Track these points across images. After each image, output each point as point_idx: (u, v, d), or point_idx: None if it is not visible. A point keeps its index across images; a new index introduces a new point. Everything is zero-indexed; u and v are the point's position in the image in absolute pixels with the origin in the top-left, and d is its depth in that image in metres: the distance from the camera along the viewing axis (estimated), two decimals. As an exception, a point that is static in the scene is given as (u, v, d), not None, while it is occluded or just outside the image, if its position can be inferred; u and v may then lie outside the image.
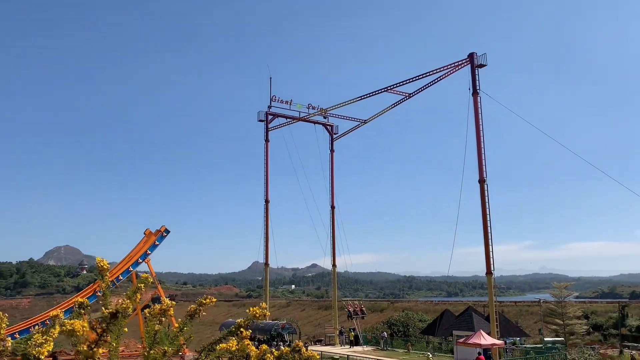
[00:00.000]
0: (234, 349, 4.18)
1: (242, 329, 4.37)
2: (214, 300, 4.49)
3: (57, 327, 3.96)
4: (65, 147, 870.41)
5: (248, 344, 4.21)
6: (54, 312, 4.02)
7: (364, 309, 58.64)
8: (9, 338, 4.52)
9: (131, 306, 4.22)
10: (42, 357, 3.95)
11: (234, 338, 4.33)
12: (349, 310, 55.94)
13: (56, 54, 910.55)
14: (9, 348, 4.32)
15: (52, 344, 3.95)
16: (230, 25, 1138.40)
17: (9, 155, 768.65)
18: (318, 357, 4.49)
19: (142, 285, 4.23)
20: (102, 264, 4.37)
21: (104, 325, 4.02)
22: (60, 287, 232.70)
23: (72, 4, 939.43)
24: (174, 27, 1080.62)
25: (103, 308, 4.21)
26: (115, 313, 4.05)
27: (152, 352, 4.15)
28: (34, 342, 3.86)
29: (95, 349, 3.93)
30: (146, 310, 4.48)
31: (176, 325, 4.43)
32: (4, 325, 4.27)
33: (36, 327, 4.82)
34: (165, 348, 4.24)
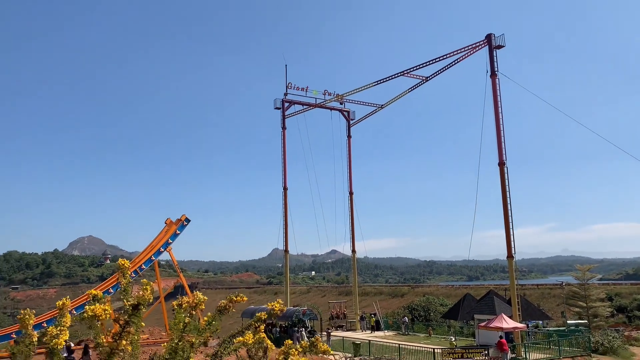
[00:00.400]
0: (250, 342, 4.21)
1: (258, 324, 4.40)
2: (245, 298, 4.53)
3: (68, 316, 4.05)
4: (88, 141, 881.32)
5: (264, 337, 4.24)
6: (61, 302, 4.10)
7: (345, 312, 61.46)
8: (35, 332, 4.62)
9: (151, 297, 4.26)
10: (60, 348, 4.04)
11: (249, 331, 4.36)
12: (331, 314, 60.08)
13: (84, 51, 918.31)
14: (35, 341, 4.40)
15: (67, 333, 4.03)
16: (246, 14, 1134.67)
17: (34, 149, 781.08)
18: (332, 352, 4.49)
19: (148, 287, 4.27)
20: (123, 263, 4.47)
21: (126, 317, 4.07)
22: (85, 276, 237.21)
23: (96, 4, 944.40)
24: (192, 17, 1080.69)
25: (125, 301, 4.26)
26: (137, 305, 4.09)
27: (180, 343, 4.20)
28: (50, 335, 3.96)
29: (119, 340, 3.99)
30: (174, 302, 4.52)
31: (202, 318, 4.46)
32: (31, 322, 4.36)
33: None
34: (193, 340, 4.29)
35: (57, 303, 4.28)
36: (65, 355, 24.34)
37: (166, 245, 48.20)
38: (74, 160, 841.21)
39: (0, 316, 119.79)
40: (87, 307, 4.07)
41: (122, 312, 4.17)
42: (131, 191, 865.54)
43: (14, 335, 37.69)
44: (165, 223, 50.55)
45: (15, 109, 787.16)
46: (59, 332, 4.00)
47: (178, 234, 49.46)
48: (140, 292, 4.10)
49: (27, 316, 4.39)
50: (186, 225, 50.31)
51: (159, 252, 48.02)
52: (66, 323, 4.09)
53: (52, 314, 40.14)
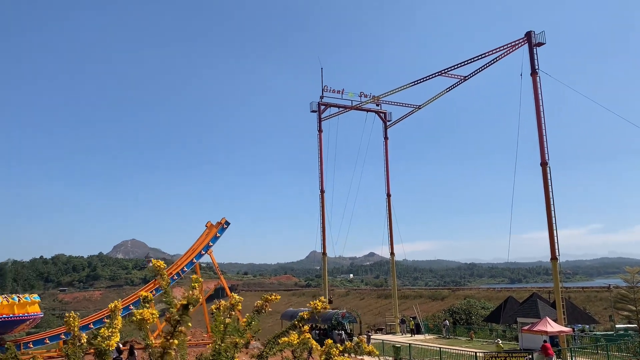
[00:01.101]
0: (295, 342, 4.27)
1: (301, 324, 4.46)
2: (279, 297, 4.60)
3: (119, 319, 4.20)
4: (130, 146, 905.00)
5: (309, 338, 4.28)
6: (113, 304, 4.24)
7: (331, 298, 60.45)
8: (84, 334, 4.79)
9: (200, 297, 4.37)
10: (111, 349, 4.18)
11: (294, 332, 4.42)
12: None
13: (119, 47, 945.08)
14: (84, 343, 4.56)
15: (118, 335, 4.17)
16: (281, 18, 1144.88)
17: (78, 156, 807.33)
18: (377, 353, 4.50)
19: (196, 285, 4.38)
20: (158, 265, 4.58)
21: (177, 317, 4.19)
22: (129, 279, 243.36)
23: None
24: (227, 20, 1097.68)
25: (168, 305, 4.36)
26: (187, 305, 4.21)
27: (223, 344, 4.29)
28: (101, 336, 4.10)
29: (171, 340, 4.12)
30: (213, 306, 4.63)
31: (242, 319, 4.55)
32: (77, 324, 4.52)
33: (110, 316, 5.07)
34: (237, 340, 4.38)
35: (109, 305, 4.43)
36: (114, 356, 25.07)
37: (207, 248, 49.01)
38: (116, 166, 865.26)
39: (49, 317, 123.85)
40: (135, 311, 4.20)
41: (171, 312, 4.29)
42: (172, 195, 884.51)
43: (63, 336, 38.99)
44: (206, 226, 51.42)
45: (61, 116, 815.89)
46: (110, 334, 4.15)
47: (218, 236, 50.22)
48: (189, 292, 4.21)
49: (72, 319, 4.57)
50: (226, 228, 51.05)
51: (200, 255, 48.86)
52: (117, 325, 4.24)
53: (98, 316, 41.33)
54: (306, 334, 4.41)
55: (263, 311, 4.62)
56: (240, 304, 4.59)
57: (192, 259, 48.36)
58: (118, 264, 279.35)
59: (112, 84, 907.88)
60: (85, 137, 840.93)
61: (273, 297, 4.57)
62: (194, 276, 4.57)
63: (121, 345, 25.96)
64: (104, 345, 4.12)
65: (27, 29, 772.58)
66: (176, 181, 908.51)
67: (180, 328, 4.08)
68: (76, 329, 4.54)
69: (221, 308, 4.56)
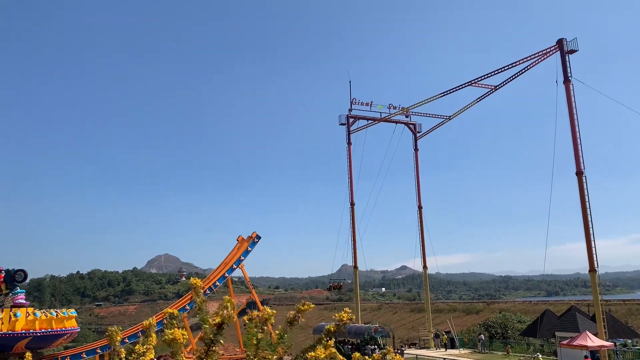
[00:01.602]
0: (322, 357, 4.22)
1: (326, 339, 4.40)
2: (312, 306, 4.54)
3: (154, 336, 4.23)
4: (160, 162, 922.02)
5: (335, 353, 4.23)
6: (148, 322, 4.27)
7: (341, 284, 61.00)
8: (122, 349, 4.84)
9: (235, 317, 4.37)
10: None
11: (320, 346, 4.38)
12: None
13: (142, 54, 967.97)
14: (123, 357, 4.60)
15: (153, 352, 4.19)
16: (309, 31, 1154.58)
17: (112, 170, 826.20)
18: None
19: (228, 304, 4.37)
20: (195, 282, 4.62)
21: (211, 336, 4.19)
22: (162, 293, 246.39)
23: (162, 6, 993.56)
24: (256, 32, 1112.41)
25: (202, 322, 4.38)
26: (221, 324, 4.21)
27: (255, 359, 4.27)
28: (137, 353, 4.13)
29: (205, 359, 4.13)
30: (245, 318, 4.61)
31: (274, 332, 4.52)
32: (119, 338, 4.57)
33: (144, 333, 5.12)
34: (269, 357, 4.36)
35: (144, 322, 4.47)
36: None
37: (238, 262, 49.35)
38: (148, 181, 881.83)
39: (86, 332, 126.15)
40: (167, 330, 4.24)
41: (205, 330, 4.30)
42: (204, 210, 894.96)
43: (99, 351, 39.63)
44: (237, 240, 51.84)
45: (96, 129, 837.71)
46: (145, 350, 4.20)
47: (249, 250, 50.55)
48: (223, 312, 4.22)
49: (114, 333, 4.63)
50: (257, 242, 51.36)
51: (232, 269, 49.22)
52: (152, 342, 4.28)
53: (133, 330, 41.90)
54: (331, 348, 4.34)
55: (296, 322, 4.57)
56: (272, 317, 4.56)
57: (224, 273, 48.74)
58: (152, 278, 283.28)
59: (148, 105, 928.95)
60: (122, 152, 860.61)
61: (305, 306, 4.51)
62: (226, 297, 4.58)
63: None
64: None
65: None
66: (208, 196, 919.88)
67: (214, 348, 4.08)
68: (117, 343, 4.60)
69: (254, 320, 4.54)
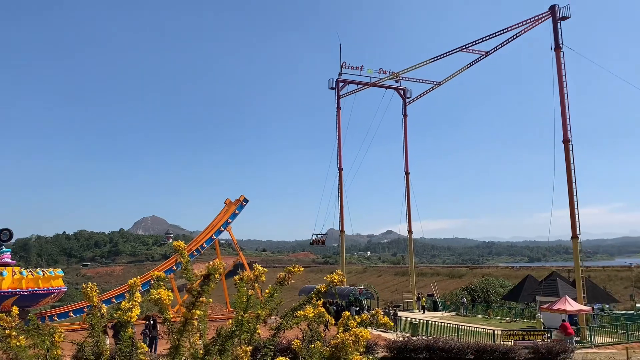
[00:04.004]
0: (311, 315, 4.28)
1: (315, 298, 4.47)
2: (302, 268, 4.60)
3: (138, 294, 4.30)
4: (148, 123, 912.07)
5: (323, 312, 4.30)
6: (132, 280, 4.32)
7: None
8: (104, 304, 4.87)
9: (222, 267, 4.40)
10: (133, 321, 4.24)
11: (309, 305, 4.44)
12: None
13: (141, 31, 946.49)
14: (105, 314, 4.62)
15: (139, 308, 4.23)
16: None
17: (98, 134, 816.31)
18: (392, 324, 4.48)
19: (217, 274, 4.39)
20: (178, 245, 4.64)
21: (198, 288, 4.23)
22: (149, 255, 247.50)
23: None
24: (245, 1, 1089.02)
25: (188, 280, 4.40)
26: (208, 275, 4.24)
27: (245, 315, 4.32)
28: (123, 308, 4.17)
29: (193, 310, 4.17)
30: (236, 277, 4.64)
31: (262, 292, 4.57)
32: (95, 294, 4.59)
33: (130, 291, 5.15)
34: (259, 312, 4.41)
35: (129, 281, 4.52)
36: (147, 331, 25.37)
37: (226, 224, 49.48)
38: (136, 143, 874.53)
39: (73, 291, 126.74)
40: (152, 290, 4.28)
41: (193, 283, 4.31)
42: (191, 172, 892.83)
43: (86, 310, 39.92)
44: (225, 203, 51.86)
45: (84, 94, 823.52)
46: (131, 306, 4.24)
47: (237, 213, 50.64)
48: (211, 263, 4.24)
49: (89, 289, 4.67)
50: (245, 205, 51.43)
51: (219, 232, 49.38)
52: (138, 299, 4.34)
53: (120, 290, 42.17)
54: (320, 307, 4.41)
55: (286, 283, 4.63)
56: (264, 275, 4.60)
57: (212, 236, 48.92)
58: (139, 240, 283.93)
59: (133, 63, 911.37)
60: (107, 115, 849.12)
61: (296, 269, 4.57)
62: (216, 260, 4.61)
63: (155, 321, 26.26)
64: (125, 317, 4.23)
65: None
66: (196, 159, 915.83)
67: (201, 299, 4.12)
68: (95, 299, 4.62)
69: (245, 279, 4.58)
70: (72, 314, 39.02)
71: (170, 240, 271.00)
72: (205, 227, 51.50)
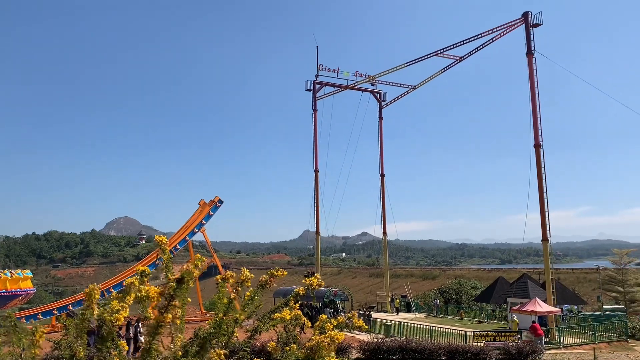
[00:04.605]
0: (287, 318, 4.31)
1: (293, 301, 4.49)
2: (285, 273, 4.60)
3: (133, 294, 4.12)
4: (121, 122, 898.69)
5: (300, 314, 4.33)
6: (129, 280, 4.15)
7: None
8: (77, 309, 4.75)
9: (196, 272, 4.34)
10: (119, 323, 4.12)
11: (287, 308, 4.47)
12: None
13: (119, 30, 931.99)
14: (94, 316, 4.43)
15: (127, 310, 4.11)
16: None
17: (71, 133, 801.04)
18: (367, 327, 4.55)
19: (199, 263, 4.36)
20: (161, 240, 4.55)
21: (171, 291, 4.17)
22: (122, 256, 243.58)
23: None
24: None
25: (169, 276, 4.34)
26: (181, 279, 4.19)
27: (225, 317, 4.29)
28: (110, 309, 4.04)
29: (165, 314, 4.10)
30: (218, 277, 4.60)
31: (234, 294, 4.55)
32: (97, 296, 4.41)
33: (110, 295, 5.03)
34: (238, 315, 4.39)
35: (125, 281, 4.31)
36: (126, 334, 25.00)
37: (200, 226, 49.08)
38: (108, 142, 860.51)
39: (42, 293, 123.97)
40: (141, 287, 4.13)
41: (167, 286, 4.26)
42: (165, 172, 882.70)
43: (56, 312, 39.14)
44: (199, 204, 51.43)
45: (56, 90, 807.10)
46: (120, 307, 4.09)
47: (211, 215, 50.28)
48: (185, 266, 4.20)
49: (94, 291, 4.45)
50: (219, 206, 51.11)
51: (193, 233, 48.95)
52: (129, 301, 4.17)
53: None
54: (297, 310, 4.44)
55: (267, 286, 4.62)
56: (249, 281, 4.56)
57: (185, 237, 48.46)
58: (111, 241, 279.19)
59: (104, 60, 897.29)
60: (78, 113, 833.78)
61: (280, 272, 4.58)
62: (197, 255, 4.57)
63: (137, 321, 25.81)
64: (111, 318, 4.05)
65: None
66: (169, 159, 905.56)
67: (174, 302, 4.07)
68: (94, 302, 4.41)
69: (230, 281, 4.53)
70: (40, 316, 38.21)
71: (143, 242, 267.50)
72: (179, 228, 50.99)
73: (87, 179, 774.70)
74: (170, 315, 4.05)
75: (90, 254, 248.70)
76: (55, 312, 39.33)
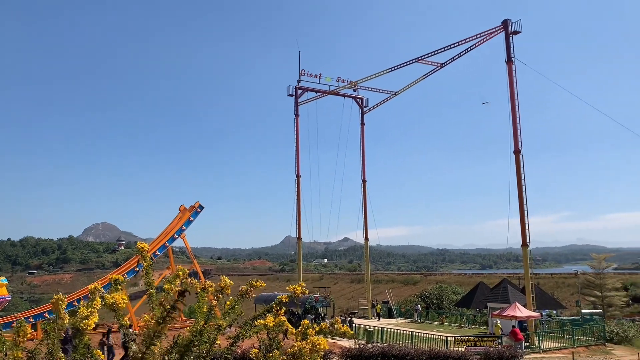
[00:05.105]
0: (271, 324, 4.25)
1: (277, 307, 4.44)
2: (263, 284, 4.56)
3: (99, 300, 4.09)
4: (100, 127, 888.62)
5: (284, 321, 4.27)
6: (93, 285, 4.13)
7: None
8: (67, 315, 4.63)
9: (198, 286, 4.32)
10: (90, 329, 4.05)
11: (270, 314, 4.41)
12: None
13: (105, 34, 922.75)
14: (66, 324, 4.37)
15: (97, 316, 4.06)
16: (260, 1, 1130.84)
17: (47, 136, 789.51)
18: (352, 333, 4.48)
19: (181, 273, 4.30)
20: (142, 246, 4.48)
21: (172, 302, 4.12)
22: (100, 262, 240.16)
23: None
24: (204, 4, 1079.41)
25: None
26: (183, 291, 4.15)
27: (207, 326, 4.24)
28: (80, 315, 3.98)
29: (163, 325, 4.05)
30: (198, 285, 4.53)
31: (215, 302, 4.48)
32: (64, 305, 4.35)
33: (81, 301, 4.93)
34: (220, 322, 4.34)
35: (89, 286, 4.28)
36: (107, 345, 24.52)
37: (180, 231, 48.60)
38: (87, 147, 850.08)
39: (18, 301, 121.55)
40: (106, 295, 4.12)
41: (166, 296, 4.20)
42: (144, 178, 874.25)
43: (32, 320, 38.37)
44: (179, 210, 50.95)
45: (32, 96, 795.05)
46: (89, 313, 4.04)
47: (192, 220, 49.83)
48: (187, 280, 4.15)
49: (60, 300, 4.42)
50: (200, 212, 50.67)
51: (172, 239, 48.44)
52: (97, 305, 4.14)
53: (69, 299, 40.70)
54: (282, 316, 4.38)
55: (247, 296, 4.58)
56: (229, 288, 4.51)
57: (165, 243, 47.94)
58: (89, 247, 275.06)
59: (84, 64, 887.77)
60: (59, 118, 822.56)
61: (258, 283, 4.52)
62: (180, 266, 4.50)
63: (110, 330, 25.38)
64: (82, 325, 4.01)
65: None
66: (149, 164, 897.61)
67: (173, 314, 4.02)
68: (62, 311, 4.37)
69: (210, 289, 4.48)
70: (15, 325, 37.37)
71: (122, 248, 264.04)
72: (159, 234, 50.41)
73: (65, 184, 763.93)
74: (167, 327, 4.00)
75: (68, 261, 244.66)
76: (32, 319, 38.55)
